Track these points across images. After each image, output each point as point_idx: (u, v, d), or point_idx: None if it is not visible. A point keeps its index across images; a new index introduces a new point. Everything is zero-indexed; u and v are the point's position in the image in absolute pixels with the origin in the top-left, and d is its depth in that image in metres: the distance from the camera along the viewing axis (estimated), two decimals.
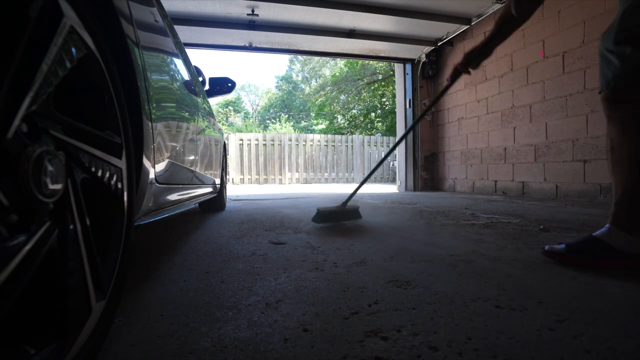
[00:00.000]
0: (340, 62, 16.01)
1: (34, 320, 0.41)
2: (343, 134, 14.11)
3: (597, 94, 3.23)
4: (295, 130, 19.74)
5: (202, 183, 1.86)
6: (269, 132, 18.36)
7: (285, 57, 27.39)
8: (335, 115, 17.42)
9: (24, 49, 0.35)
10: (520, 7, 1.28)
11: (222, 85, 2.61)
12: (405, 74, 5.81)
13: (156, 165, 0.92)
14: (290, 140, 9.65)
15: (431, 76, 5.61)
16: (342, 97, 16.80)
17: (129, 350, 0.60)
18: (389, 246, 1.40)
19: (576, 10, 3.42)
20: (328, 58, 15.91)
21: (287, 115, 22.18)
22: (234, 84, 2.64)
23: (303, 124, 21.12)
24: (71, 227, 0.45)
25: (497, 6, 4.19)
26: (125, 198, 0.62)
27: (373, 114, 16.28)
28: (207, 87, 2.53)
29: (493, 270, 1.04)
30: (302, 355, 0.57)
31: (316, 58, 18.88)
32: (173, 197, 1.24)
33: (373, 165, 10.18)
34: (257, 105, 29.06)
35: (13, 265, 0.33)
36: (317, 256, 1.25)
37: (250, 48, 5.07)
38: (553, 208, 2.78)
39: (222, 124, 18.81)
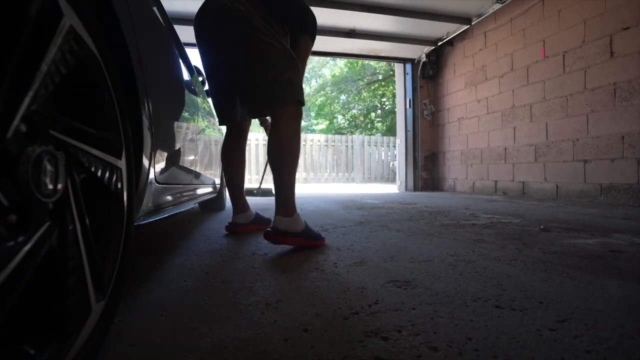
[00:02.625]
0: (340, 62, 15.99)
1: (33, 321, 0.41)
2: (343, 134, 14.10)
3: (597, 94, 3.25)
4: None
5: (202, 183, 1.86)
6: None
7: None
8: (335, 115, 17.41)
9: (23, 49, 0.35)
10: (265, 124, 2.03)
11: None
12: (405, 73, 5.81)
13: (156, 165, 0.92)
14: None
15: (431, 76, 5.61)
16: (342, 97, 16.79)
17: (129, 350, 0.60)
18: (389, 246, 1.40)
19: (577, 9, 3.42)
20: (328, 58, 15.89)
21: None
22: None
23: (303, 124, 21.12)
24: (71, 227, 0.44)
25: (498, 6, 4.19)
26: (125, 198, 0.62)
27: (373, 114, 16.27)
28: (207, 87, 2.53)
29: (493, 271, 1.04)
30: (303, 355, 0.57)
31: (316, 58, 18.89)
32: (173, 197, 1.24)
33: (373, 165, 10.19)
34: None
35: (13, 265, 0.33)
36: (317, 256, 1.25)
37: None
38: (553, 208, 2.77)
39: None
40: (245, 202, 1.81)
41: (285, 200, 1.37)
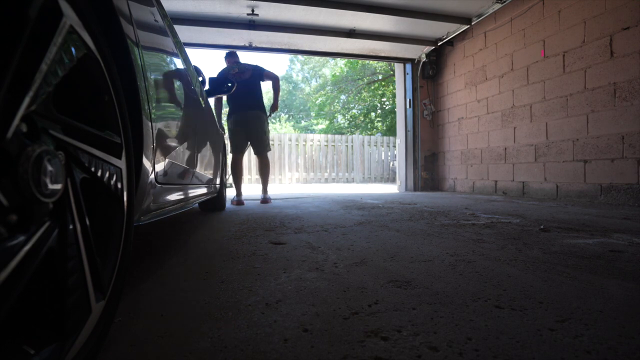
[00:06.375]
0: (341, 62, 15.99)
1: (33, 321, 0.41)
2: (343, 134, 14.10)
3: (597, 94, 3.25)
4: (295, 130, 19.71)
5: (202, 183, 1.86)
6: None
7: (286, 57, 27.49)
8: (335, 115, 17.41)
9: (23, 49, 0.35)
10: None
11: (222, 85, 2.61)
12: (405, 73, 5.81)
13: (156, 165, 0.92)
14: (290, 140, 9.65)
15: (431, 76, 5.61)
16: (342, 97, 16.79)
17: (129, 350, 0.60)
18: (389, 246, 1.40)
19: (577, 9, 3.42)
20: (328, 58, 15.89)
21: (287, 115, 22.19)
22: (233, 84, 2.64)
23: (303, 123, 21.10)
24: (71, 227, 0.44)
25: (498, 6, 4.19)
26: (125, 198, 0.62)
27: (373, 114, 16.27)
28: (207, 87, 2.53)
29: (493, 271, 1.04)
30: (302, 355, 0.57)
31: (316, 58, 18.86)
32: (173, 197, 1.24)
33: (373, 165, 10.20)
34: None
35: (13, 265, 0.33)
36: (317, 256, 1.25)
37: (250, 48, 5.07)
38: (553, 208, 2.78)
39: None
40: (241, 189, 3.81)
41: (266, 187, 3.81)
